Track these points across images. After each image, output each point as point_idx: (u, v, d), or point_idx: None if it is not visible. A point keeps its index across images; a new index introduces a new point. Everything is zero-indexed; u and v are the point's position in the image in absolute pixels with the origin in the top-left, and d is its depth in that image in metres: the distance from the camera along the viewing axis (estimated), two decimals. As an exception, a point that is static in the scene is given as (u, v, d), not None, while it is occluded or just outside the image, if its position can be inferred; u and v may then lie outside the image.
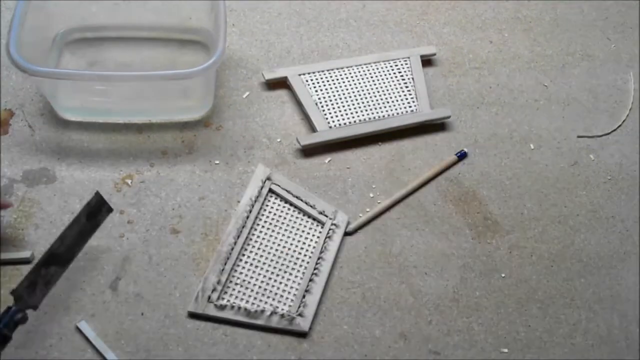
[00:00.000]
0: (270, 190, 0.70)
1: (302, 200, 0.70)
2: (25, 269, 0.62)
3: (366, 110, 0.78)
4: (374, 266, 0.68)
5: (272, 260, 0.66)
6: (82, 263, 0.63)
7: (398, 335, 0.64)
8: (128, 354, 0.59)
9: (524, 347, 0.64)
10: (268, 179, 0.70)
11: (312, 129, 0.76)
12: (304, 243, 0.67)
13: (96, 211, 0.63)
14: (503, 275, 0.69)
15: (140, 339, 0.60)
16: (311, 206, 0.69)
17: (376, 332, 0.64)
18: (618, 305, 0.68)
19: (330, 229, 0.68)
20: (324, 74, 0.80)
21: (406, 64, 0.82)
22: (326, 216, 0.69)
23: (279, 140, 0.76)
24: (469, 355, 0.63)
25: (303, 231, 0.68)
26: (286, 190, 0.70)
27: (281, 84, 0.80)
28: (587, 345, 0.65)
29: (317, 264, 0.66)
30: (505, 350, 0.64)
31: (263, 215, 0.68)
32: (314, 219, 0.69)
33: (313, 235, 0.68)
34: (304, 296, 0.64)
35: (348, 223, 0.69)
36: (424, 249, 0.69)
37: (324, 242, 0.67)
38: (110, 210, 0.64)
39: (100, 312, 0.61)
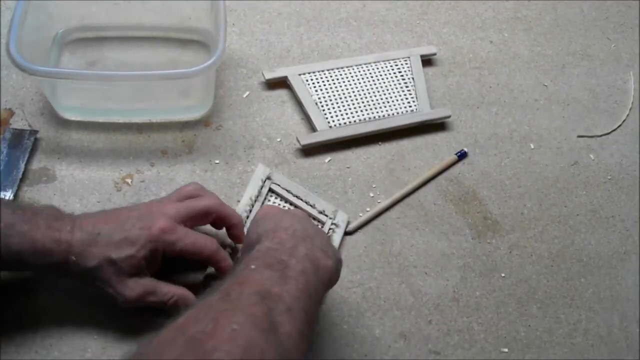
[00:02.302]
0: (271, 190, 0.70)
1: (302, 199, 0.70)
2: (25, 269, 0.62)
3: (366, 110, 0.78)
4: (373, 266, 0.68)
5: (272, 260, 0.66)
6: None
7: (398, 335, 0.64)
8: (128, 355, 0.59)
9: (524, 347, 0.64)
10: (268, 178, 0.70)
11: (312, 128, 0.76)
12: (304, 243, 0.67)
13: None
14: (503, 275, 0.69)
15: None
16: (311, 206, 0.69)
17: (376, 331, 0.64)
18: (618, 305, 0.68)
19: (330, 229, 0.68)
20: (324, 74, 0.80)
21: (406, 63, 0.82)
22: (326, 216, 0.69)
23: (279, 139, 0.76)
24: (469, 355, 0.63)
25: (303, 231, 0.68)
26: (286, 190, 0.70)
27: (281, 83, 0.80)
28: (587, 345, 0.65)
29: (317, 263, 0.66)
30: (505, 350, 0.64)
31: (263, 214, 0.68)
32: (314, 218, 0.69)
33: (313, 234, 0.68)
34: (304, 296, 0.63)
35: (348, 223, 0.69)
36: (424, 248, 0.69)
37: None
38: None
39: (104, 311, 0.61)
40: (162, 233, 0.56)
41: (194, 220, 0.59)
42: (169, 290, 0.58)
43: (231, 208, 0.62)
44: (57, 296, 0.61)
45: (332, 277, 0.54)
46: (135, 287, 0.56)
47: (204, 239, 0.58)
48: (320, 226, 0.68)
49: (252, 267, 0.49)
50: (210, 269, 0.62)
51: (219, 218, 0.61)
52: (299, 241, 0.52)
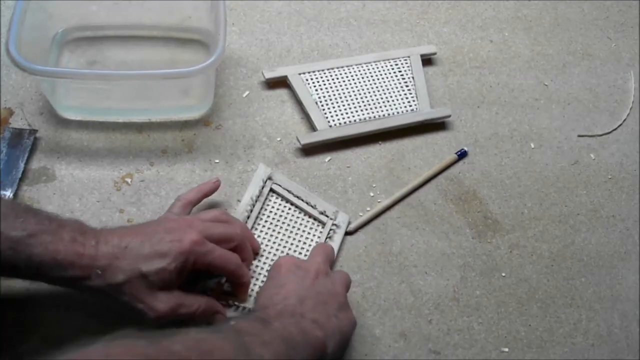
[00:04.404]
0: (272, 190, 0.70)
1: (303, 200, 0.69)
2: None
3: (366, 110, 0.78)
4: (374, 265, 0.68)
5: (272, 260, 0.66)
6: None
7: (398, 334, 0.64)
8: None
9: (524, 347, 0.64)
10: (269, 178, 0.70)
11: (312, 128, 0.76)
12: (304, 243, 0.67)
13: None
14: (503, 274, 0.69)
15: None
16: (312, 206, 0.69)
17: (376, 331, 0.64)
18: (619, 305, 0.68)
19: (331, 229, 0.68)
20: (324, 73, 0.80)
21: (406, 63, 0.82)
22: (327, 216, 0.69)
23: (279, 139, 0.75)
24: (469, 354, 0.63)
25: (304, 231, 0.68)
26: (287, 190, 0.70)
27: (281, 83, 0.80)
28: (587, 345, 0.65)
29: (317, 263, 0.66)
30: (506, 349, 0.64)
31: (264, 215, 0.68)
32: (315, 219, 0.69)
33: (314, 235, 0.68)
34: (304, 295, 0.63)
35: (349, 223, 0.69)
36: (424, 248, 0.69)
37: (325, 243, 0.67)
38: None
39: (102, 310, 0.61)
40: (193, 245, 0.55)
41: (218, 242, 0.58)
42: (196, 300, 0.57)
43: (250, 248, 0.63)
44: (58, 296, 0.61)
45: (321, 348, 0.53)
46: (167, 300, 0.55)
47: (229, 253, 0.58)
48: (321, 227, 0.68)
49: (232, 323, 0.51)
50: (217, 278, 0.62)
51: (239, 248, 0.61)
52: (285, 316, 0.53)
